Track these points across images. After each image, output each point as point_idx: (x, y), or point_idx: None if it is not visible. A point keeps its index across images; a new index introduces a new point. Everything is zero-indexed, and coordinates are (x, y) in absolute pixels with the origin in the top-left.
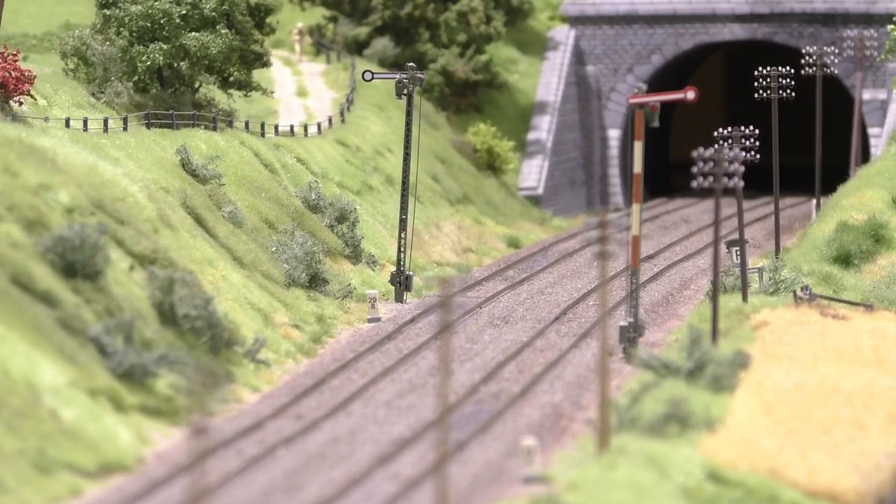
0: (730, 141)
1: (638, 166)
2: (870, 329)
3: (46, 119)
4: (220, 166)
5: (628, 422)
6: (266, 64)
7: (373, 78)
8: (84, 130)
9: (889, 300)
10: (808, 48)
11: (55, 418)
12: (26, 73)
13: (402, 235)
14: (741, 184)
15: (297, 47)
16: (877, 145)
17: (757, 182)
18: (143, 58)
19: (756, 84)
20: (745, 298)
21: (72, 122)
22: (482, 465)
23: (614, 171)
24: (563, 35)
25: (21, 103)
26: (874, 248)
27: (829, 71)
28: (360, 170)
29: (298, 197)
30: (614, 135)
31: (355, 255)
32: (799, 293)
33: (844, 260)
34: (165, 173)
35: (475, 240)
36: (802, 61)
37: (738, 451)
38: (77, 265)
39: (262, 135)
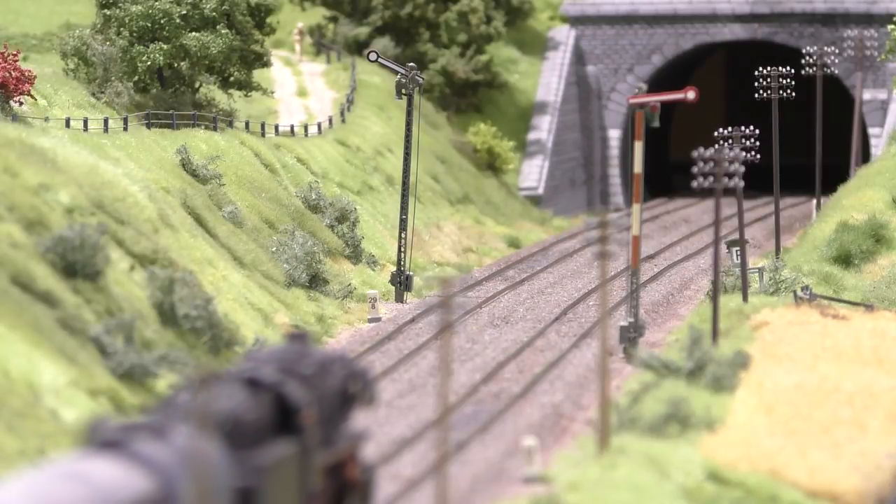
0: (730, 141)
1: (638, 166)
2: (870, 329)
3: (46, 119)
4: (221, 166)
5: (628, 422)
6: (266, 64)
7: (377, 59)
8: (84, 130)
9: (889, 300)
10: (808, 48)
11: (55, 418)
12: (26, 73)
13: (403, 235)
14: (741, 184)
15: (297, 47)
16: (877, 145)
17: (757, 182)
18: (144, 58)
19: (756, 84)
20: (745, 298)
21: (72, 122)
22: (482, 465)
23: (614, 171)
24: (564, 35)
25: (21, 103)
26: (874, 248)
27: (829, 71)
28: (360, 170)
29: (298, 197)
30: (614, 135)
31: (355, 255)
32: (799, 293)
33: (845, 260)
34: (165, 173)
35: (475, 240)
36: (802, 61)
37: (739, 452)
38: (77, 265)
39: (263, 135)
